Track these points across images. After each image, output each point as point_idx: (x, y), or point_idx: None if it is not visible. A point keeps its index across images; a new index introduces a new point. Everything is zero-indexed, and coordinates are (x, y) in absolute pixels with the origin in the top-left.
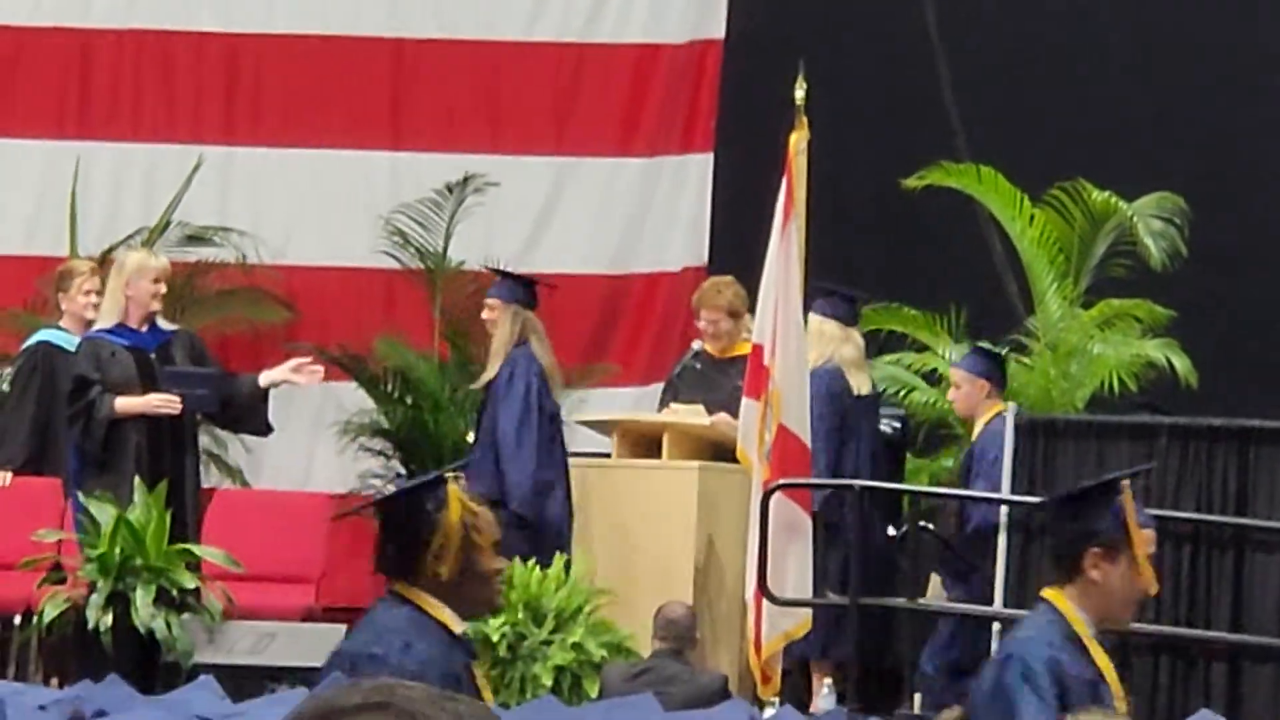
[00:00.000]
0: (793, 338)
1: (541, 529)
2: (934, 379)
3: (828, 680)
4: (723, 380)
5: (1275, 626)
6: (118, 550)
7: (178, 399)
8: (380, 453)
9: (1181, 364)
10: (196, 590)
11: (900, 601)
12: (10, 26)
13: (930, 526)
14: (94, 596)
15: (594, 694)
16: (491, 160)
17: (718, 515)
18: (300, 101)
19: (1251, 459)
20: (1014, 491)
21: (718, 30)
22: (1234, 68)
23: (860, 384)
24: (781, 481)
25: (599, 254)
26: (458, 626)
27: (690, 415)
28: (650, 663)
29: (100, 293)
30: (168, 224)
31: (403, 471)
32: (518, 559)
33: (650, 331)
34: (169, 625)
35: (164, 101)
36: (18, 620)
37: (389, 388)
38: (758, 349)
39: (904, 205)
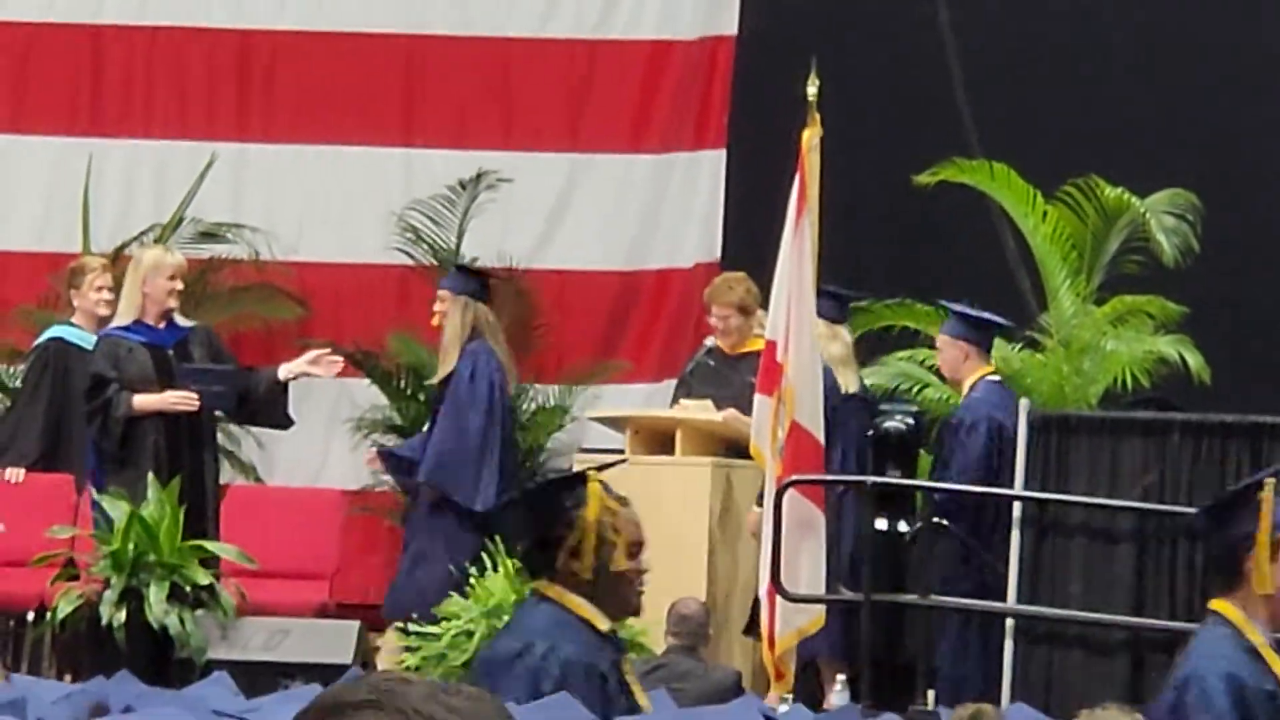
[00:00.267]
0: (806, 334)
1: (495, 529)
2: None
3: (840, 676)
4: (734, 377)
5: None
6: (131, 546)
7: (195, 396)
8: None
9: (1194, 360)
10: (210, 586)
11: (913, 598)
12: (22, 23)
13: (945, 523)
14: (107, 593)
15: None
16: (504, 156)
17: (731, 511)
18: (313, 98)
19: (1264, 455)
20: (1027, 487)
21: (730, 27)
22: (1247, 65)
23: (848, 382)
24: (795, 478)
25: (612, 250)
26: (603, 624)
27: (699, 411)
28: (664, 659)
29: (112, 289)
30: (180, 220)
31: None
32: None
33: (663, 328)
34: (182, 621)
35: (176, 98)
36: (31, 616)
37: (402, 384)
38: (771, 345)
39: (916, 202)
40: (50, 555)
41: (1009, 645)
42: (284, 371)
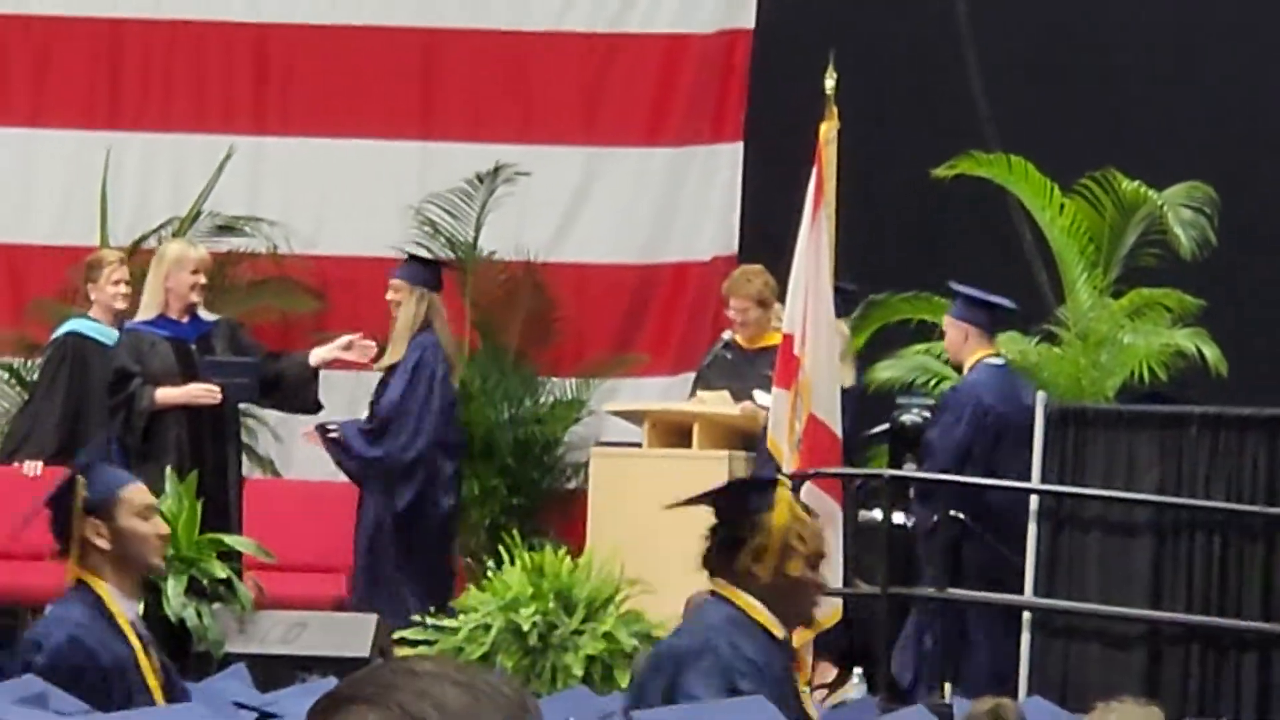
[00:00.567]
0: (823, 327)
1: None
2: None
3: (858, 670)
4: (752, 370)
5: None
6: None
7: (217, 388)
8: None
9: (1211, 353)
10: (227, 580)
11: (930, 591)
12: (41, 17)
13: (962, 516)
14: None
15: (625, 684)
16: (521, 150)
17: None
18: (331, 91)
19: None
20: (1044, 480)
21: (747, 20)
22: (1265, 58)
23: (844, 377)
24: (811, 471)
25: (629, 243)
26: (779, 630)
27: (717, 403)
28: None
29: (129, 282)
30: (198, 214)
31: None
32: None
33: (680, 321)
34: (200, 615)
35: (194, 91)
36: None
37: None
38: (788, 339)
39: (933, 195)
40: None
41: (1026, 638)
42: (315, 357)
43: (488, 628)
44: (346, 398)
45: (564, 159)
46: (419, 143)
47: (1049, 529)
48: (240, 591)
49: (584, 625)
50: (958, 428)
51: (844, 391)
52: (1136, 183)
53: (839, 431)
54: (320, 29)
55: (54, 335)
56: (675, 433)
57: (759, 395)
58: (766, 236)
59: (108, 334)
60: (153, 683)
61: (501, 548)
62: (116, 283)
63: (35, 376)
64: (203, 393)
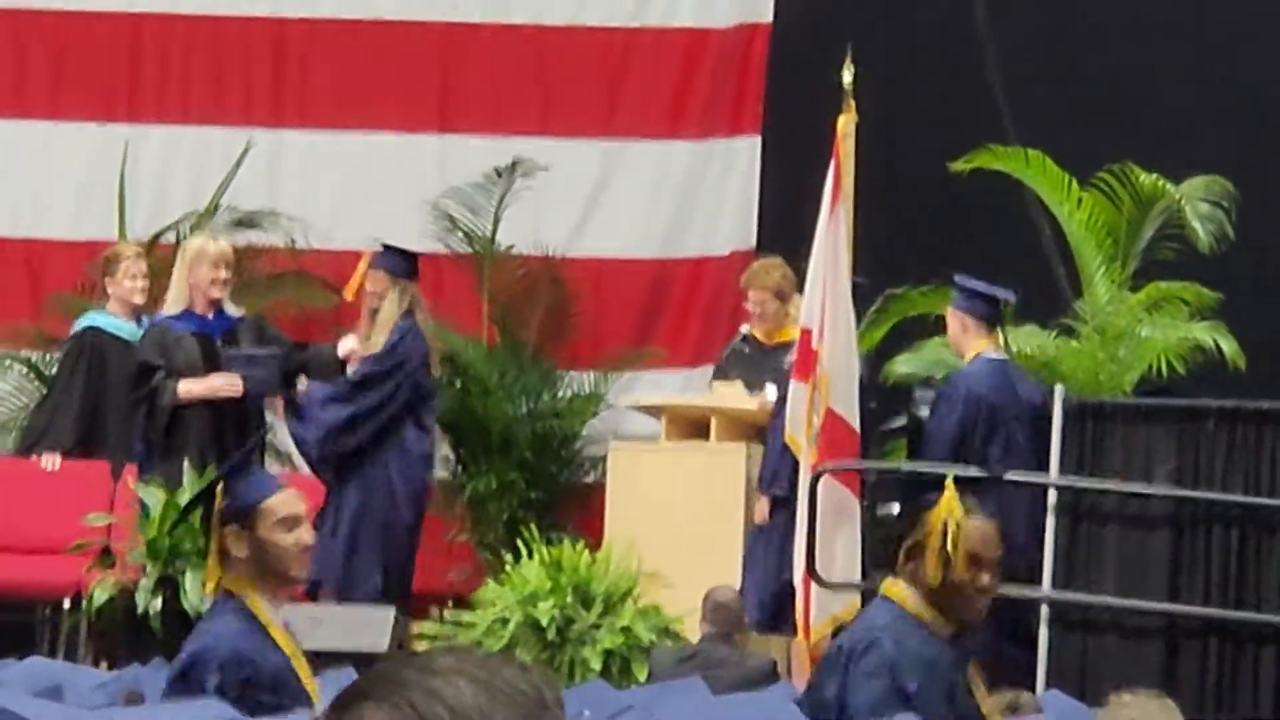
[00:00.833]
0: (841, 321)
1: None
2: None
3: None
4: (770, 364)
5: None
6: (167, 534)
7: (239, 380)
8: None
9: (1229, 347)
10: None
11: None
12: (60, 11)
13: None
14: (143, 580)
15: (643, 677)
16: (540, 144)
17: None
18: (349, 85)
19: None
20: (1062, 474)
21: (765, 14)
22: None
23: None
24: (830, 465)
25: (647, 237)
26: (945, 630)
27: (732, 396)
28: (699, 646)
29: (147, 277)
30: (216, 208)
31: (451, 455)
32: (566, 542)
33: (698, 315)
34: None
35: (212, 85)
36: (67, 604)
37: (437, 372)
38: (806, 332)
39: (951, 189)
40: (86, 543)
41: (1044, 632)
42: (344, 349)
43: (506, 622)
44: None
45: (582, 153)
46: (437, 136)
47: (1067, 522)
48: None
49: (602, 619)
50: (950, 418)
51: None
52: (1154, 176)
53: (857, 425)
54: (339, 23)
55: (72, 330)
56: (693, 426)
57: (769, 389)
58: (784, 230)
59: (126, 328)
60: (310, 686)
61: (519, 542)
62: (134, 277)
63: (53, 371)
64: (224, 384)
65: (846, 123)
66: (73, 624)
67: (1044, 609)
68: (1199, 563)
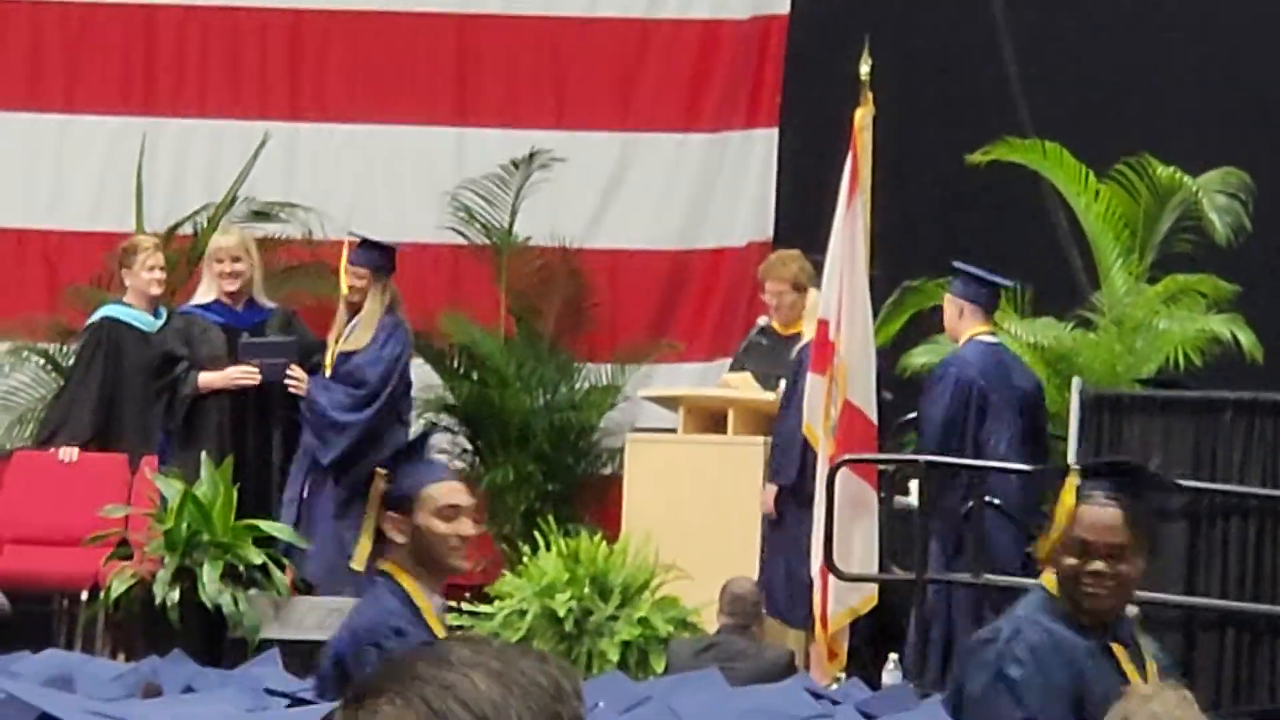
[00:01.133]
0: (858, 313)
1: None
2: None
3: (893, 655)
4: (787, 356)
5: None
6: (185, 526)
7: (255, 369)
8: (446, 428)
9: (1246, 339)
10: (263, 566)
11: (964, 577)
12: (76, 2)
13: (996, 501)
14: (161, 572)
15: (660, 669)
16: (557, 136)
17: None
18: (366, 77)
19: None
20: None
21: (782, 6)
22: None
23: None
24: (847, 457)
25: (664, 229)
26: (1083, 618)
27: (742, 386)
28: (716, 638)
29: (164, 268)
30: (233, 200)
31: (468, 447)
32: (584, 534)
33: (715, 307)
34: (235, 601)
35: (229, 77)
36: (84, 596)
37: (455, 364)
38: (823, 324)
39: (968, 181)
40: (104, 534)
41: None
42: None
43: (523, 613)
44: None
45: (599, 145)
46: (454, 128)
47: None
48: (276, 577)
49: (619, 611)
50: (940, 402)
51: None
52: (1171, 168)
53: (874, 417)
54: (355, 14)
55: (89, 321)
56: (710, 418)
57: (785, 383)
58: (801, 222)
59: (143, 319)
60: None
61: (537, 533)
62: (151, 268)
63: (70, 362)
64: (240, 374)
65: (864, 115)
66: (90, 616)
67: None
68: (1216, 555)
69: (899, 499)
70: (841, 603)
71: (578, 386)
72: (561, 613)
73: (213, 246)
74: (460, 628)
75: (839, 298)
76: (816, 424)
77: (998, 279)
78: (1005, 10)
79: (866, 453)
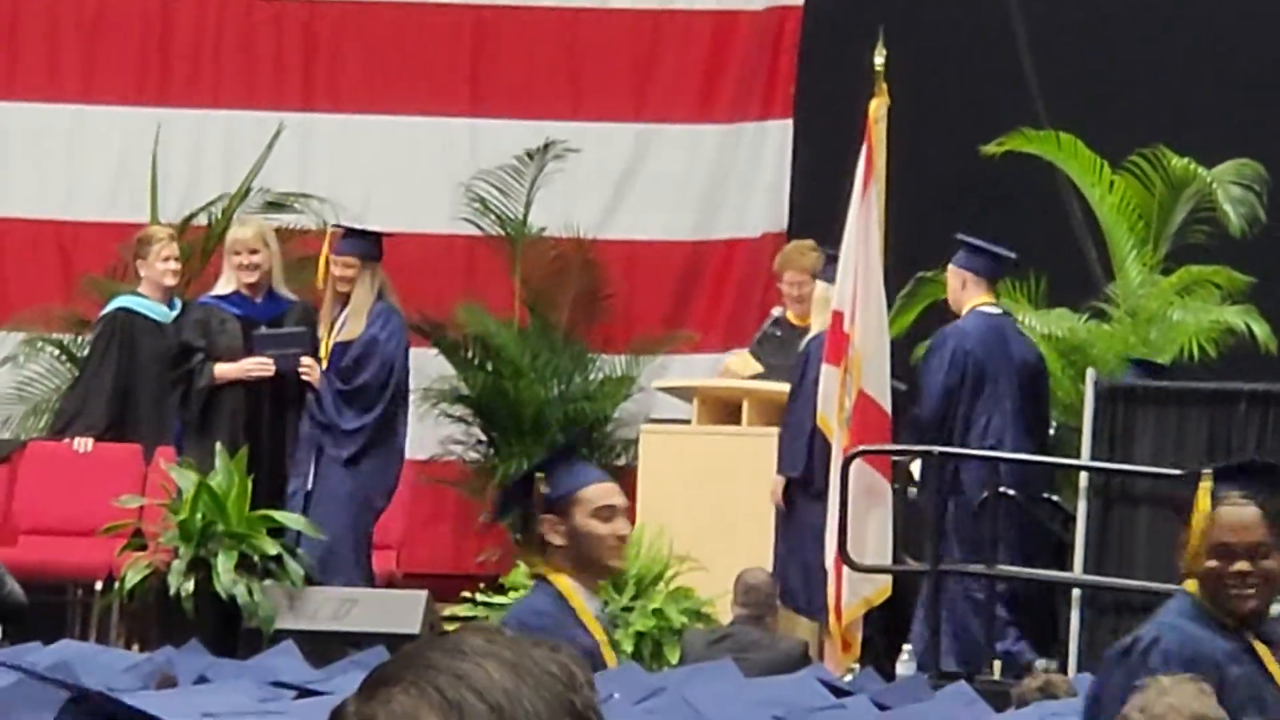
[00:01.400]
0: (873, 304)
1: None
2: None
3: (907, 646)
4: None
5: None
6: (199, 516)
7: (269, 360)
8: (460, 419)
9: (1260, 330)
10: (278, 556)
11: (979, 568)
12: None
13: (1011, 492)
14: (176, 562)
15: (674, 660)
16: (572, 126)
17: None
18: (380, 68)
19: None
20: (1094, 457)
21: None
22: None
23: None
24: (862, 448)
25: (679, 220)
26: (1226, 621)
27: (745, 368)
28: (730, 629)
29: (179, 259)
30: (248, 191)
31: (483, 438)
32: None
33: (729, 298)
34: (250, 591)
35: (244, 68)
36: (99, 586)
37: (469, 354)
38: (837, 315)
39: (983, 172)
40: (118, 525)
41: (1075, 615)
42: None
43: None
44: None
45: (614, 136)
46: (469, 119)
47: (1099, 506)
48: (290, 568)
49: (634, 602)
50: (939, 372)
51: None
52: (1186, 160)
53: (889, 408)
54: (370, 5)
55: (103, 312)
56: (724, 409)
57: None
58: (816, 213)
59: (157, 310)
60: None
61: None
62: (166, 259)
63: (85, 353)
64: (255, 366)
65: (878, 106)
66: (105, 606)
67: (1075, 592)
68: None
69: (913, 490)
70: (855, 594)
71: (592, 377)
72: None
73: (231, 238)
74: (473, 618)
75: (854, 289)
76: (831, 415)
77: (1000, 250)
78: (1020, 1)
79: (881, 444)
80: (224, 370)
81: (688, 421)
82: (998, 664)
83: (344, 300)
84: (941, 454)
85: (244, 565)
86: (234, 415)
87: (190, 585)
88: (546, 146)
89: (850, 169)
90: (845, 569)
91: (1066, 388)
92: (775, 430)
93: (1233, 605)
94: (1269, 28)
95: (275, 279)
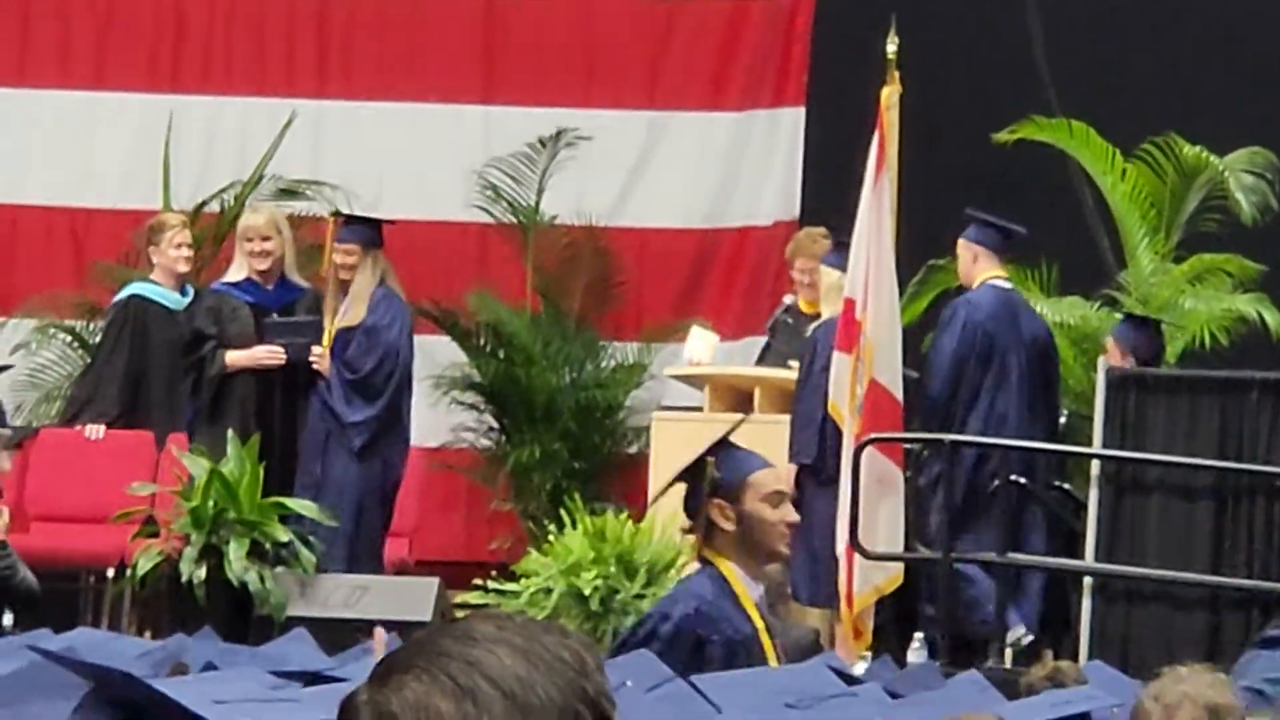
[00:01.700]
0: (885, 292)
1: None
2: None
3: (919, 634)
4: None
5: None
6: (211, 503)
7: (281, 349)
8: (472, 406)
9: (1272, 318)
10: (289, 543)
11: (991, 556)
12: None
13: (1023, 481)
14: (187, 550)
15: None
16: (584, 114)
17: None
18: (393, 55)
19: None
20: (1105, 446)
21: None
22: None
23: None
24: (873, 436)
25: (691, 208)
26: None
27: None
28: None
29: (191, 246)
30: (260, 178)
31: (495, 425)
32: (610, 512)
33: (741, 285)
34: (262, 578)
35: (256, 55)
36: (111, 573)
37: (481, 341)
38: (849, 303)
39: (995, 160)
40: (130, 512)
41: (1086, 603)
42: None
43: (549, 592)
44: None
45: (626, 123)
46: (481, 107)
47: (1110, 494)
48: (302, 555)
49: (645, 590)
50: (949, 345)
51: None
52: (1198, 148)
53: (900, 396)
54: None
55: (116, 298)
56: (736, 397)
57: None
58: (828, 201)
59: (170, 297)
60: (773, 662)
61: (563, 511)
62: (179, 246)
63: (97, 340)
64: (266, 354)
65: (890, 94)
66: (117, 593)
67: (1087, 580)
68: (1242, 534)
69: (924, 478)
70: (867, 582)
71: (604, 365)
72: (587, 591)
73: (243, 225)
74: (485, 605)
75: (865, 277)
76: (842, 403)
77: (1010, 224)
78: None
79: (892, 431)
80: (235, 358)
81: (699, 409)
82: (1008, 652)
83: (346, 287)
84: (953, 442)
85: (256, 552)
86: (245, 402)
87: (202, 572)
88: (559, 134)
89: (862, 157)
90: (857, 557)
91: (1078, 376)
92: (786, 418)
93: None
94: None
95: (288, 266)
